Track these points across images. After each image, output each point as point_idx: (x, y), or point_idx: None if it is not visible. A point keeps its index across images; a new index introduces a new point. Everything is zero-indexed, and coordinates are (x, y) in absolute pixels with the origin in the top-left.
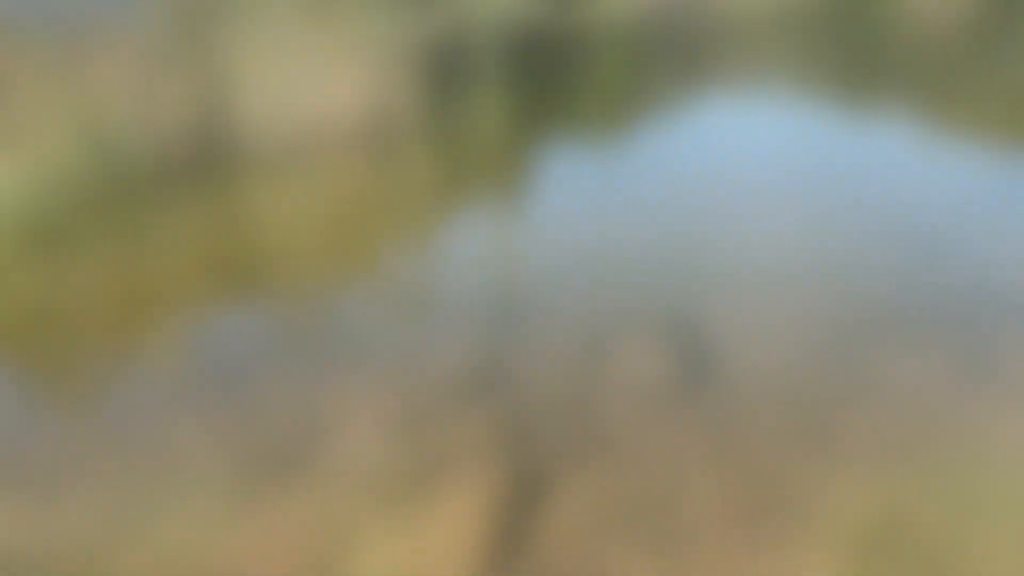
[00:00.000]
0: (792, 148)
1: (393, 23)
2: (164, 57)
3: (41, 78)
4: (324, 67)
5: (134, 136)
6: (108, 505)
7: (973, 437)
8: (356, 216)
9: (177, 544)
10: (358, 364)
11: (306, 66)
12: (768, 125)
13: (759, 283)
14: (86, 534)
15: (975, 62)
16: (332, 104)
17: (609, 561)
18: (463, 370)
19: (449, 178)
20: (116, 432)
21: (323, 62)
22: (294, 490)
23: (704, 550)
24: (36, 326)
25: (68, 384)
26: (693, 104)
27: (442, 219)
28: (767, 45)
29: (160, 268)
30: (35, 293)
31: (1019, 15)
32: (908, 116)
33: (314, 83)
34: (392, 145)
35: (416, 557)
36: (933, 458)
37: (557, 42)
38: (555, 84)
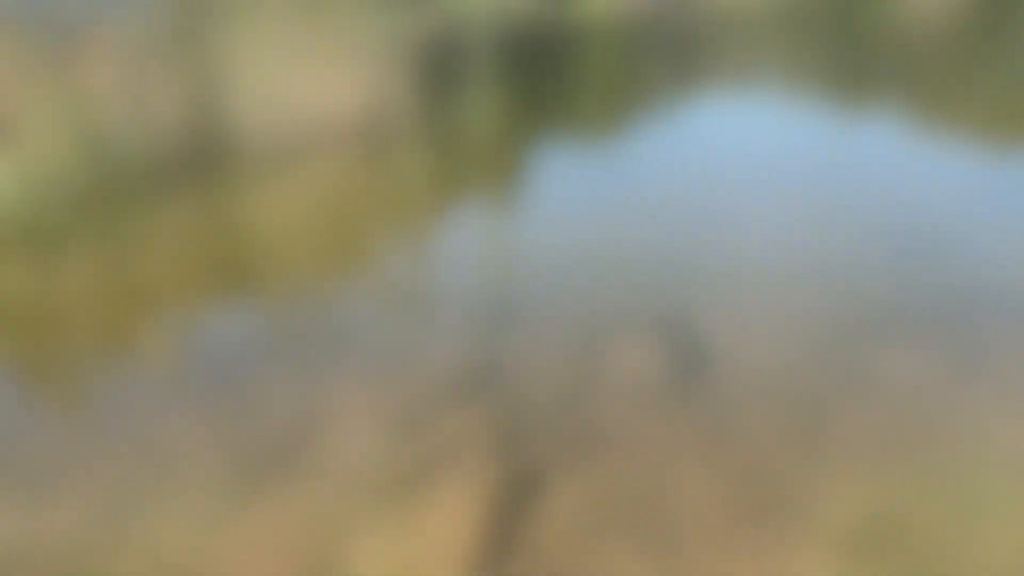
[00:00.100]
0: (785, 146)
1: (388, 21)
2: (159, 55)
3: (35, 76)
4: (319, 65)
5: (128, 134)
6: (102, 505)
7: (969, 435)
8: (351, 215)
9: (172, 544)
10: (353, 363)
11: (301, 64)
12: (761, 122)
13: (753, 281)
14: (80, 534)
15: (967, 60)
16: (327, 102)
17: (604, 560)
18: (458, 369)
19: (444, 176)
20: (110, 432)
21: (318, 60)
22: (289, 489)
23: (699, 549)
24: (30, 326)
25: (61, 384)
26: (686, 101)
27: (437, 218)
28: (758, 41)
29: (154, 267)
30: (28, 292)
31: (1010, 13)
32: (900, 114)
33: (309, 81)
34: (387, 144)
35: (411, 556)
36: (929, 456)
37: (551, 38)
38: (549, 81)
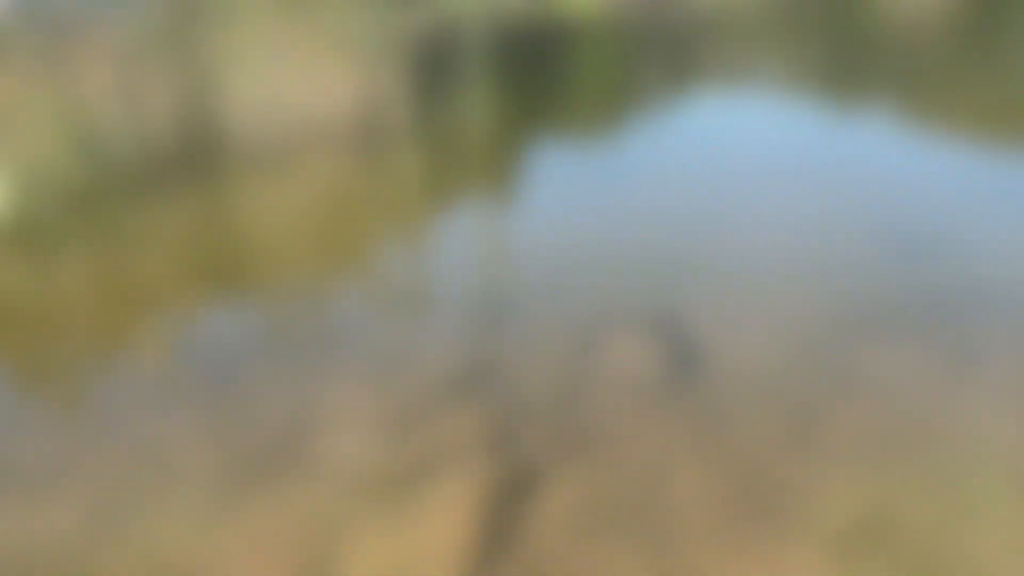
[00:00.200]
0: (777, 144)
1: (381, 19)
2: (153, 54)
3: (30, 75)
4: (313, 64)
5: (123, 133)
6: (99, 505)
7: (961, 433)
8: (346, 214)
9: (168, 544)
10: (349, 362)
11: (295, 63)
12: (753, 121)
13: (747, 279)
14: (77, 534)
15: (959, 58)
16: (322, 101)
17: (598, 557)
18: (453, 368)
19: (439, 175)
20: (106, 432)
21: (312, 59)
22: (285, 489)
23: (693, 547)
24: (25, 325)
25: (57, 384)
26: (678, 99)
27: (432, 216)
28: (749, 39)
29: (149, 266)
30: (23, 292)
31: (1001, 12)
32: (892, 112)
33: (303, 80)
34: (381, 142)
35: (406, 554)
36: (925, 455)
37: (543, 34)
38: (542, 78)
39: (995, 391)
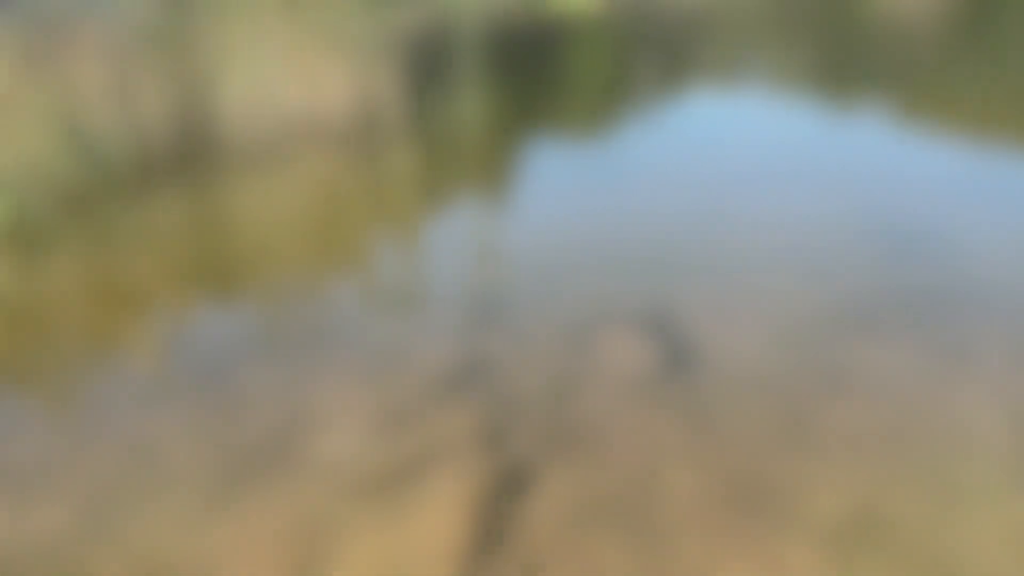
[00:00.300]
0: (772, 141)
1: (376, 16)
2: (145, 52)
3: (21, 72)
4: (307, 62)
5: (115, 131)
6: (90, 505)
7: (951, 428)
8: (340, 212)
9: (160, 543)
10: (342, 361)
11: (289, 61)
12: (746, 119)
13: (740, 277)
14: (68, 534)
15: (951, 56)
16: (316, 99)
17: (591, 554)
18: (446, 365)
19: (433, 173)
20: (97, 431)
21: (306, 57)
22: (278, 487)
23: (687, 544)
24: (15, 324)
25: (48, 383)
26: (673, 96)
27: (426, 214)
28: (741, 36)
29: (141, 265)
30: (13, 291)
31: (993, 11)
32: (885, 111)
33: (297, 78)
34: (376, 140)
35: (400, 552)
36: (916, 450)
37: (536, 33)
38: (536, 75)
39: (988, 388)
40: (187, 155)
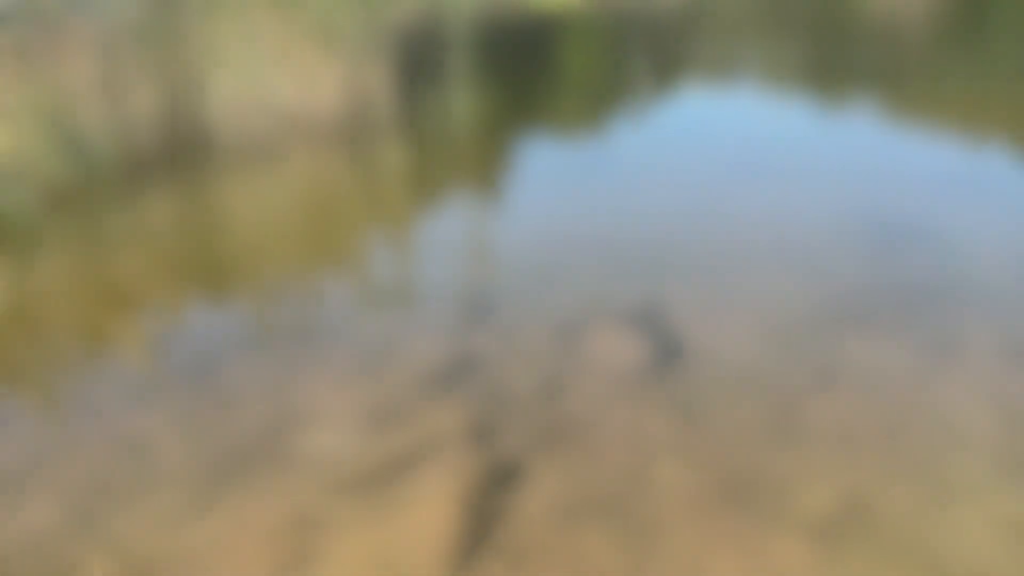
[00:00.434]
0: (761, 138)
1: (366, 13)
2: (134, 49)
3: (7, 71)
4: (297, 59)
5: (104, 129)
6: (76, 502)
7: (939, 422)
8: (330, 209)
9: (148, 539)
10: (331, 357)
11: (279, 58)
12: (739, 116)
13: (729, 272)
14: (53, 531)
15: (940, 54)
16: (306, 95)
17: (580, 547)
18: (436, 361)
19: (423, 168)
20: (84, 429)
21: (296, 53)
22: (267, 483)
23: (674, 536)
24: (3, 322)
25: (36, 382)
26: (662, 91)
27: (416, 210)
28: (733, 33)
29: (131, 263)
30: (1, 291)
31: (984, 11)
32: (874, 106)
33: (288, 75)
34: (366, 136)
35: (389, 547)
36: (902, 442)
37: (527, 28)
38: (527, 71)
39: (976, 382)
40: (178, 153)
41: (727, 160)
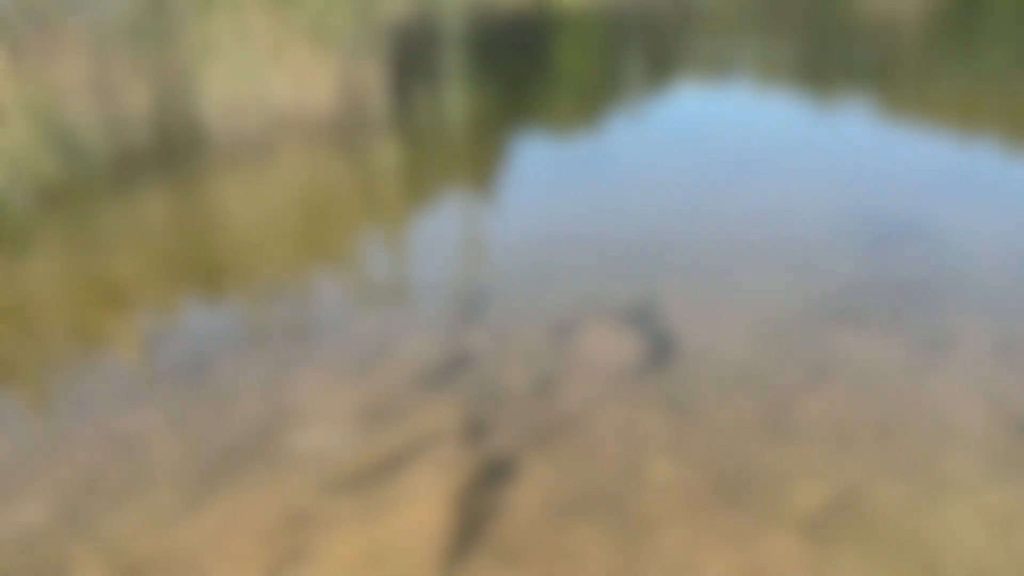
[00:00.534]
0: (757, 135)
1: (360, 10)
2: (127, 47)
3: (1, 68)
4: (291, 56)
5: (96, 127)
6: (67, 501)
7: (932, 418)
8: (323, 207)
9: (138, 539)
10: (324, 355)
11: (273, 55)
12: (734, 114)
13: (724, 270)
14: (44, 531)
15: (933, 53)
16: (299, 93)
17: (572, 545)
18: (429, 359)
19: (418, 167)
20: (75, 428)
21: (290, 51)
22: (259, 481)
23: (668, 534)
24: None
25: (28, 380)
26: (660, 89)
27: (410, 208)
28: (729, 32)
29: (123, 262)
30: None
31: (976, 11)
32: (868, 104)
33: (281, 73)
34: (360, 134)
35: (381, 545)
36: (894, 439)
37: (524, 24)
38: (524, 68)
39: (969, 378)
40: (171, 151)
41: (722, 157)
